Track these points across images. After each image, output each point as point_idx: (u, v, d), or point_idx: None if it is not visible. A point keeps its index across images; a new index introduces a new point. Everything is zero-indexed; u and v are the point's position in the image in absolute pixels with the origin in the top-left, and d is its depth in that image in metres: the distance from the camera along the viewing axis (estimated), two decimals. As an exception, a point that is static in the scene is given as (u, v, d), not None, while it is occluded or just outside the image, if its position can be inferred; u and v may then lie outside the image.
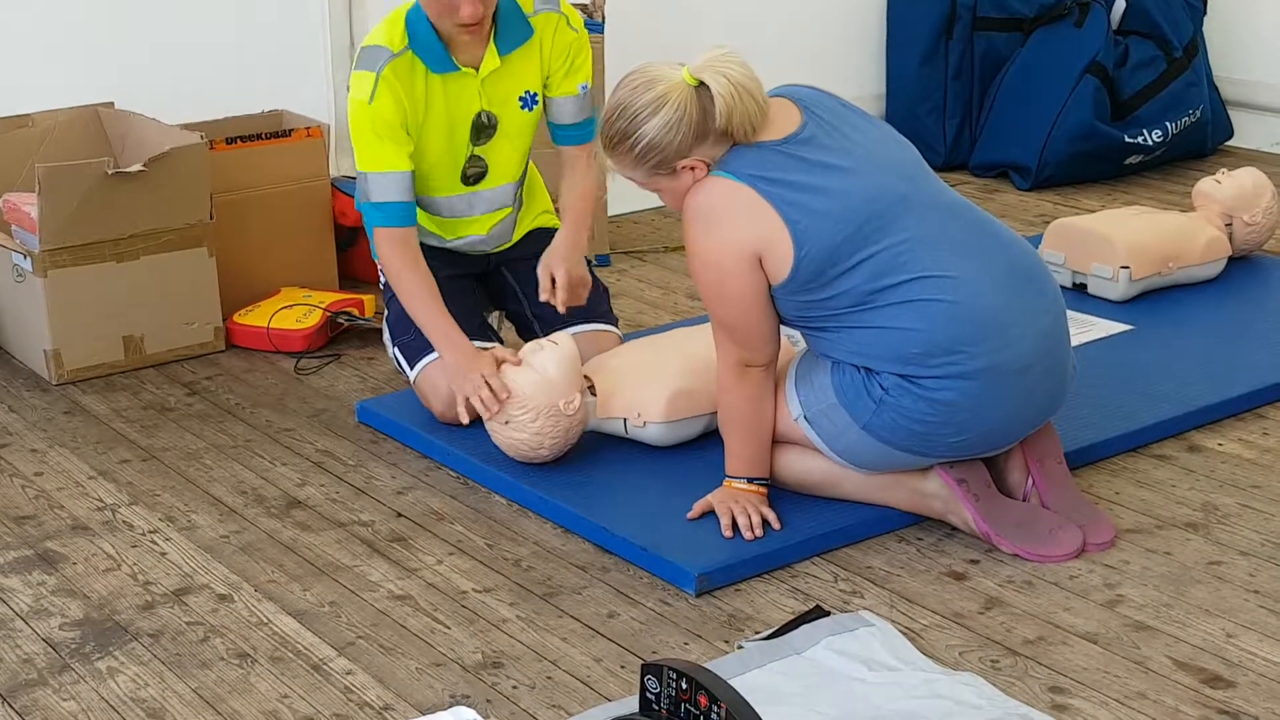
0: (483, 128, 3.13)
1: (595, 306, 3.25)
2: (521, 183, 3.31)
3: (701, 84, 2.55)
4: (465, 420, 2.96)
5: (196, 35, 3.97)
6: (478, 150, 3.15)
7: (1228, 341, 3.51)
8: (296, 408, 3.37)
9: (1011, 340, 2.58)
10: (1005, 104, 4.95)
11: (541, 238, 3.28)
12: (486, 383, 2.90)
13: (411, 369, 3.16)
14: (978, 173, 5.02)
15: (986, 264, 2.61)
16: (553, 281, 3.11)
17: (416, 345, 3.14)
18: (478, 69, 3.07)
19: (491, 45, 3.07)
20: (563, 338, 2.95)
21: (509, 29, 3.07)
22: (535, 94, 3.16)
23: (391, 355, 3.24)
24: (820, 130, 2.62)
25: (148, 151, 3.52)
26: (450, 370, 3.00)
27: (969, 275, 2.58)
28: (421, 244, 3.12)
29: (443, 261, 3.23)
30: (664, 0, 4.54)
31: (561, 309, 3.11)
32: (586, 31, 3.21)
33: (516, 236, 3.35)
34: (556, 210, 3.32)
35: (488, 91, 3.10)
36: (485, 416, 2.93)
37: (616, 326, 3.29)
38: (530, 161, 3.35)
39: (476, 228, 3.27)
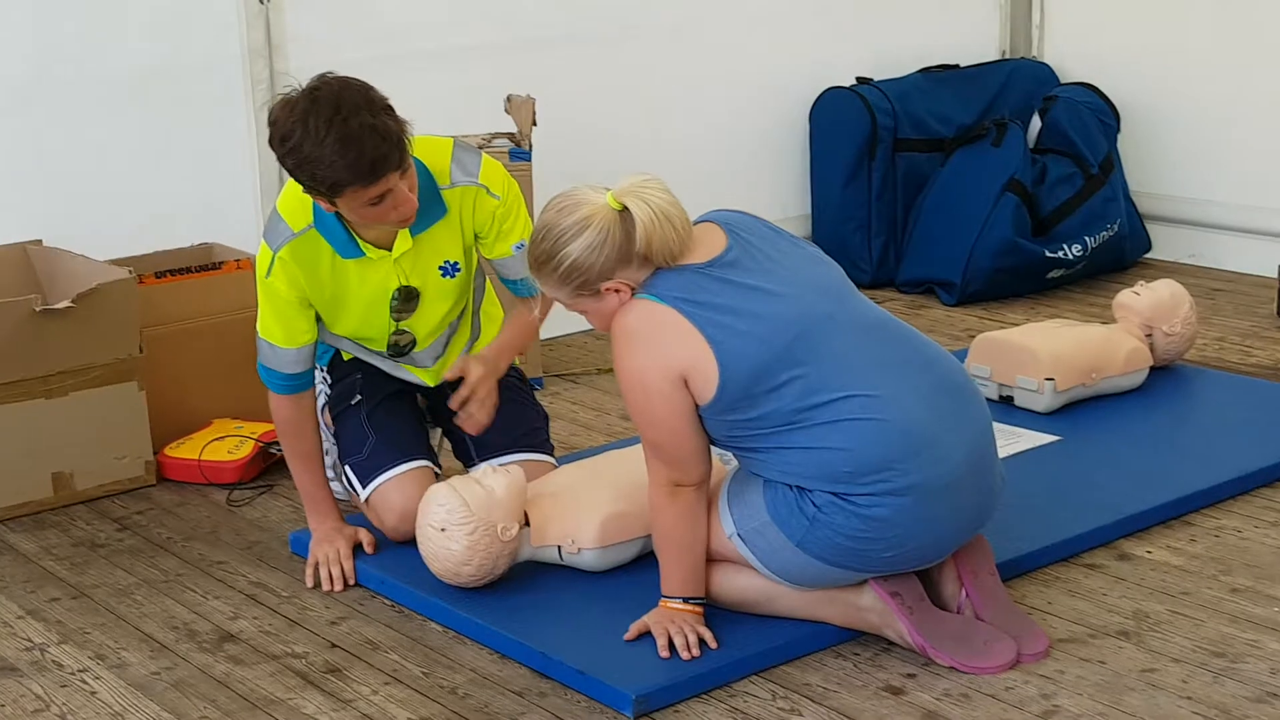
0: (403, 303, 3.08)
1: (535, 435, 3.27)
2: (465, 314, 3.28)
3: (624, 208, 2.59)
4: (309, 584, 3.09)
5: (124, 170, 3.98)
6: (401, 325, 3.14)
7: (1153, 450, 3.56)
8: (229, 540, 3.34)
9: (940, 456, 2.61)
10: (929, 222, 5.04)
11: None
12: (340, 561, 3.07)
13: (364, 487, 3.15)
14: (904, 289, 5.10)
15: (913, 381, 2.65)
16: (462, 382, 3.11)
17: (371, 465, 3.15)
18: (390, 248, 3.00)
19: (404, 229, 2.98)
20: (515, 469, 2.97)
21: (421, 210, 2.94)
22: (456, 262, 3.10)
23: (339, 475, 3.23)
24: (745, 253, 2.66)
25: (76, 287, 3.51)
26: (313, 536, 3.14)
27: (896, 393, 2.61)
28: (368, 363, 3.17)
29: (386, 379, 3.25)
30: (590, 128, 4.61)
31: (466, 422, 3.10)
32: (516, 190, 3.11)
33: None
34: None
35: (404, 268, 3.04)
36: (325, 589, 3.05)
37: (552, 455, 3.30)
38: (491, 289, 3.37)
39: (425, 378, 3.28)
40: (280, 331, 3.05)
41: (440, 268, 3.09)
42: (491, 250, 3.15)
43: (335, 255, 3.00)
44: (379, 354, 3.23)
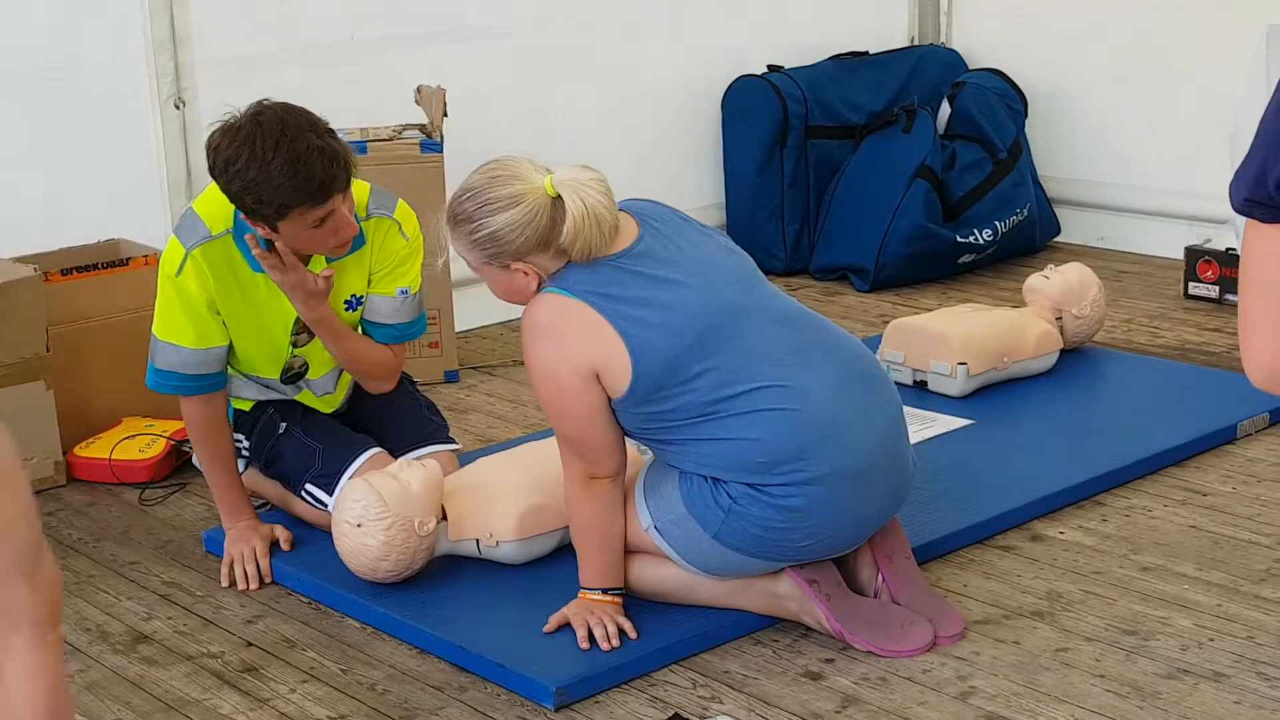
0: (303, 329, 3.07)
1: (438, 428, 3.25)
2: None
3: (559, 198, 2.58)
4: (224, 583, 3.05)
5: (27, 165, 3.92)
6: (298, 351, 3.12)
7: (1064, 432, 3.60)
8: (142, 540, 3.30)
9: (852, 444, 2.63)
10: (841, 209, 5.07)
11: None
12: (256, 559, 3.04)
13: (332, 494, 3.07)
14: (818, 276, 5.12)
15: (823, 369, 2.66)
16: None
17: (330, 470, 3.10)
18: None
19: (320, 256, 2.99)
20: (432, 463, 2.95)
21: None
22: (361, 297, 3.10)
23: (300, 496, 3.16)
24: (656, 243, 2.66)
25: (-20, 285, 3.46)
26: (228, 534, 3.09)
27: (807, 383, 2.63)
28: (271, 400, 3.17)
29: (294, 404, 3.24)
30: (502, 118, 4.59)
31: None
32: (421, 242, 3.12)
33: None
34: None
35: None
36: (240, 587, 3.02)
37: (453, 442, 3.27)
38: None
39: (322, 406, 3.26)
40: (191, 332, 2.99)
41: (346, 301, 3.09)
42: (378, 285, 3.11)
43: (245, 268, 2.98)
44: (271, 383, 3.19)
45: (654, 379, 2.58)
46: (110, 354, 3.73)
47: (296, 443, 3.17)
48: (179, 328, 3.00)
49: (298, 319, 3.04)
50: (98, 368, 3.70)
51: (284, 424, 3.20)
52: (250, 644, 2.83)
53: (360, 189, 3.03)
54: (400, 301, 3.13)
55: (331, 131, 2.83)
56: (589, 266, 2.61)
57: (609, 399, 2.61)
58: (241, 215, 2.89)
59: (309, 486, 3.13)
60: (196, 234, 2.96)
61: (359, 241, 3.03)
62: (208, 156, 2.82)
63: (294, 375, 3.16)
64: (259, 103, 2.82)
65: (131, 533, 3.34)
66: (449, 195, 2.71)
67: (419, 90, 4.16)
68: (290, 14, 4.27)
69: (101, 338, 3.68)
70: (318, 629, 2.88)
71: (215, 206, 2.96)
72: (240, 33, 4.12)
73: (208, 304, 2.98)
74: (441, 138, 4.10)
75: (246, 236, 2.91)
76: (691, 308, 2.61)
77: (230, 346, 3.06)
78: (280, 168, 2.73)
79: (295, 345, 3.10)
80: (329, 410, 3.28)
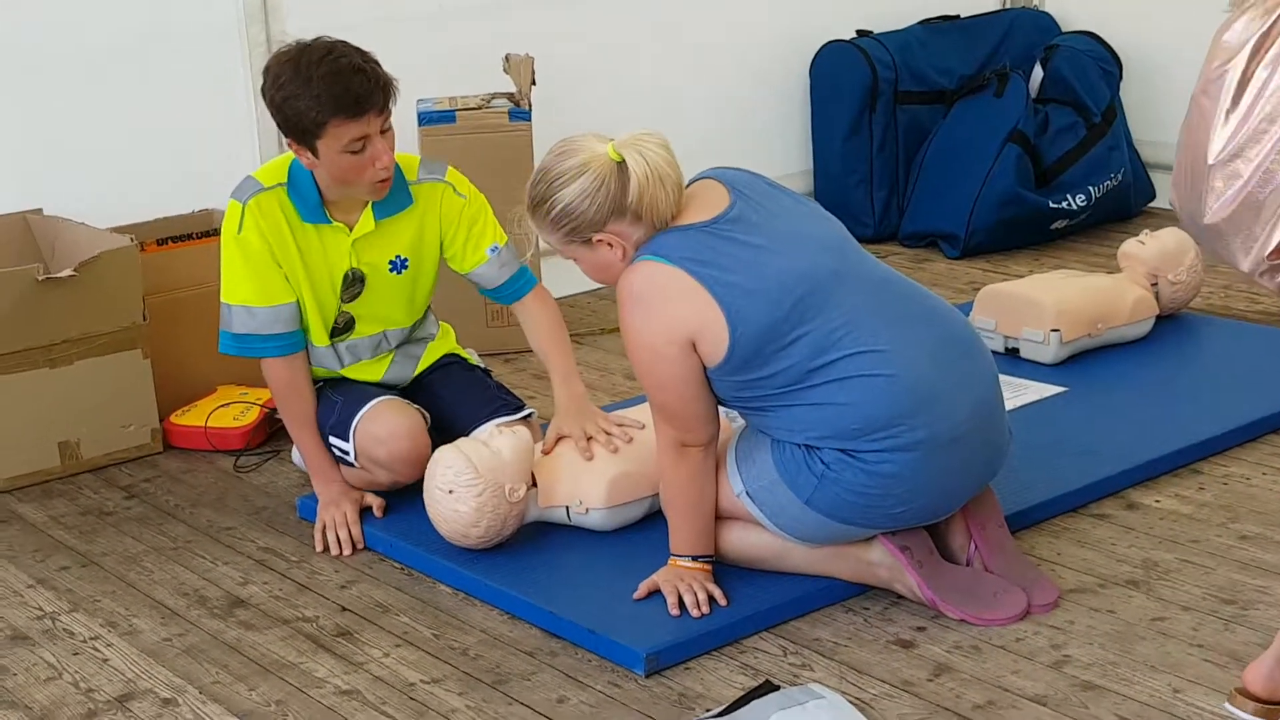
0: (350, 285, 3.13)
1: (503, 403, 3.24)
2: (421, 324, 3.32)
3: (623, 162, 2.58)
4: (318, 549, 3.08)
5: (123, 137, 3.97)
6: (346, 307, 3.16)
7: (1159, 399, 3.55)
8: (237, 506, 3.35)
9: (947, 411, 2.61)
10: (931, 175, 5.02)
11: (452, 361, 3.32)
12: (348, 525, 3.07)
13: (348, 439, 3.12)
14: (907, 243, 5.08)
15: (919, 336, 2.64)
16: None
17: (345, 416, 3.14)
18: (350, 228, 3.08)
19: (369, 209, 3.07)
20: (522, 430, 2.97)
21: (390, 194, 3.05)
22: (406, 259, 3.15)
23: (330, 447, 3.21)
24: (749, 209, 2.65)
25: (78, 256, 3.51)
26: (320, 500, 3.13)
27: (903, 349, 2.61)
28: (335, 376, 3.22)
29: (338, 377, 3.26)
30: (589, 87, 4.59)
31: (611, 448, 3.01)
32: (482, 198, 3.20)
33: (422, 367, 3.33)
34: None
35: (358, 251, 3.10)
36: (334, 553, 3.05)
37: (527, 408, 3.27)
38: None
39: (368, 374, 3.27)
40: (255, 289, 3.05)
41: (390, 261, 3.13)
42: (466, 260, 3.18)
43: (297, 220, 3.05)
44: (321, 357, 3.21)
45: (750, 345, 2.57)
46: (205, 323, 3.75)
47: (325, 399, 3.20)
48: (246, 289, 3.06)
49: (346, 275, 3.10)
50: (193, 336, 3.74)
51: (320, 383, 3.24)
52: (344, 609, 2.86)
53: (411, 159, 3.14)
54: (496, 260, 3.20)
55: (377, 62, 2.94)
56: (681, 232, 2.61)
57: (704, 367, 2.61)
58: (290, 147, 2.97)
59: (331, 438, 3.17)
60: (250, 188, 3.06)
61: (406, 200, 3.10)
62: (262, 79, 2.96)
63: (341, 330, 3.19)
64: (314, 38, 2.96)
65: (227, 499, 3.39)
66: (536, 163, 2.72)
67: (507, 59, 4.17)
68: (379, -16, 4.30)
69: (196, 307, 3.72)
70: (410, 594, 2.90)
71: (269, 169, 3.09)
72: (330, 3, 4.14)
73: (270, 255, 3.04)
74: (529, 106, 4.10)
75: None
76: (787, 274, 2.59)
77: (299, 305, 3.10)
78: (321, 79, 2.86)
79: (344, 301, 3.14)
80: (374, 379, 3.28)
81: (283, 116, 2.92)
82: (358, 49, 2.94)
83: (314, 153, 2.93)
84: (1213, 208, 2.01)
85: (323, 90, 2.86)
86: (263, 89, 2.95)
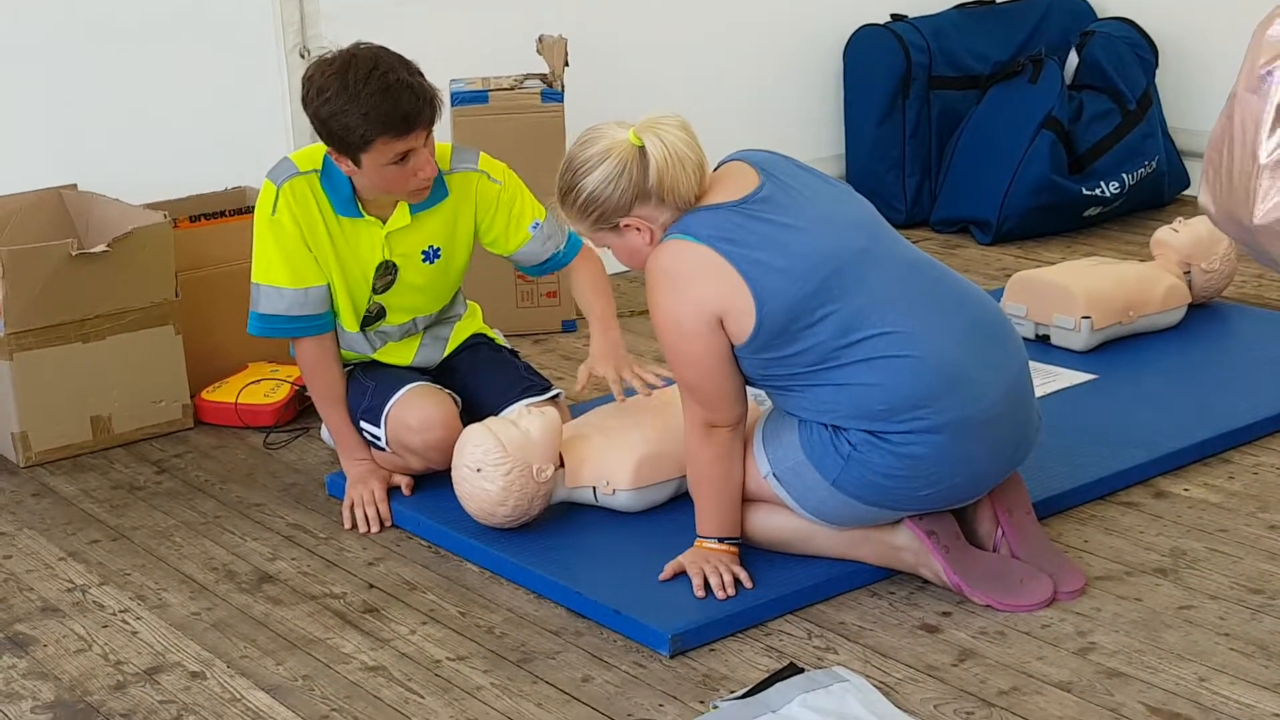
0: (382, 275, 3.12)
1: (531, 384, 3.25)
2: (450, 305, 3.33)
3: (644, 145, 2.59)
4: (346, 525, 3.09)
5: (156, 114, 3.99)
6: (378, 298, 3.16)
7: (1190, 388, 3.54)
8: (266, 482, 3.37)
9: (976, 394, 2.60)
10: (963, 160, 5.00)
11: (480, 341, 3.32)
12: (376, 503, 3.08)
13: (380, 425, 3.14)
14: (939, 229, 5.06)
15: (948, 319, 2.64)
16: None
17: (377, 402, 3.15)
18: (384, 221, 3.06)
19: (403, 204, 3.05)
20: (550, 410, 2.98)
21: None
22: (439, 249, 3.14)
23: (360, 431, 3.21)
24: (778, 190, 2.65)
25: (111, 232, 3.53)
26: (348, 478, 3.14)
27: (931, 331, 2.60)
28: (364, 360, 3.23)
29: (369, 361, 3.27)
30: (623, 68, 4.58)
31: (644, 389, 3.07)
32: (516, 178, 3.19)
33: (451, 348, 3.34)
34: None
35: (391, 243, 3.09)
36: (361, 530, 3.06)
37: (555, 388, 3.28)
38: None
39: (398, 357, 3.28)
40: (286, 271, 3.05)
41: (423, 252, 3.13)
42: (509, 242, 3.18)
43: (329, 209, 3.04)
44: (352, 342, 3.22)
45: (777, 323, 2.57)
46: (237, 299, 3.77)
47: (356, 383, 3.21)
48: (274, 270, 3.06)
49: (379, 266, 3.10)
50: (224, 313, 3.76)
51: (350, 366, 3.25)
52: (372, 586, 2.87)
53: (443, 148, 3.11)
54: (540, 235, 3.19)
55: (421, 73, 2.91)
56: (710, 211, 2.61)
57: (731, 346, 2.61)
58: (329, 152, 2.96)
59: (362, 423, 3.18)
60: (286, 171, 3.06)
61: (441, 193, 3.09)
62: (302, 88, 2.91)
63: (370, 320, 3.20)
64: (355, 44, 2.91)
65: (257, 475, 3.41)
66: (569, 145, 2.73)
67: (540, 40, 4.17)
68: (413, -37, 4.30)
69: (228, 283, 3.74)
70: (437, 572, 2.91)
71: (305, 154, 3.07)
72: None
73: (302, 239, 3.04)
74: (562, 87, 4.10)
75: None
76: (815, 252, 2.59)
77: (330, 289, 3.10)
78: (369, 97, 2.82)
79: (376, 292, 3.14)
80: (404, 363, 3.30)
81: (327, 130, 2.89)
82: (401, 59, 2.90)
83: (356, 163, 2.92)
84: (1263, 208, 1.98)
85: (371, 108, 2.82)
86: (304, 98, 2.90)
